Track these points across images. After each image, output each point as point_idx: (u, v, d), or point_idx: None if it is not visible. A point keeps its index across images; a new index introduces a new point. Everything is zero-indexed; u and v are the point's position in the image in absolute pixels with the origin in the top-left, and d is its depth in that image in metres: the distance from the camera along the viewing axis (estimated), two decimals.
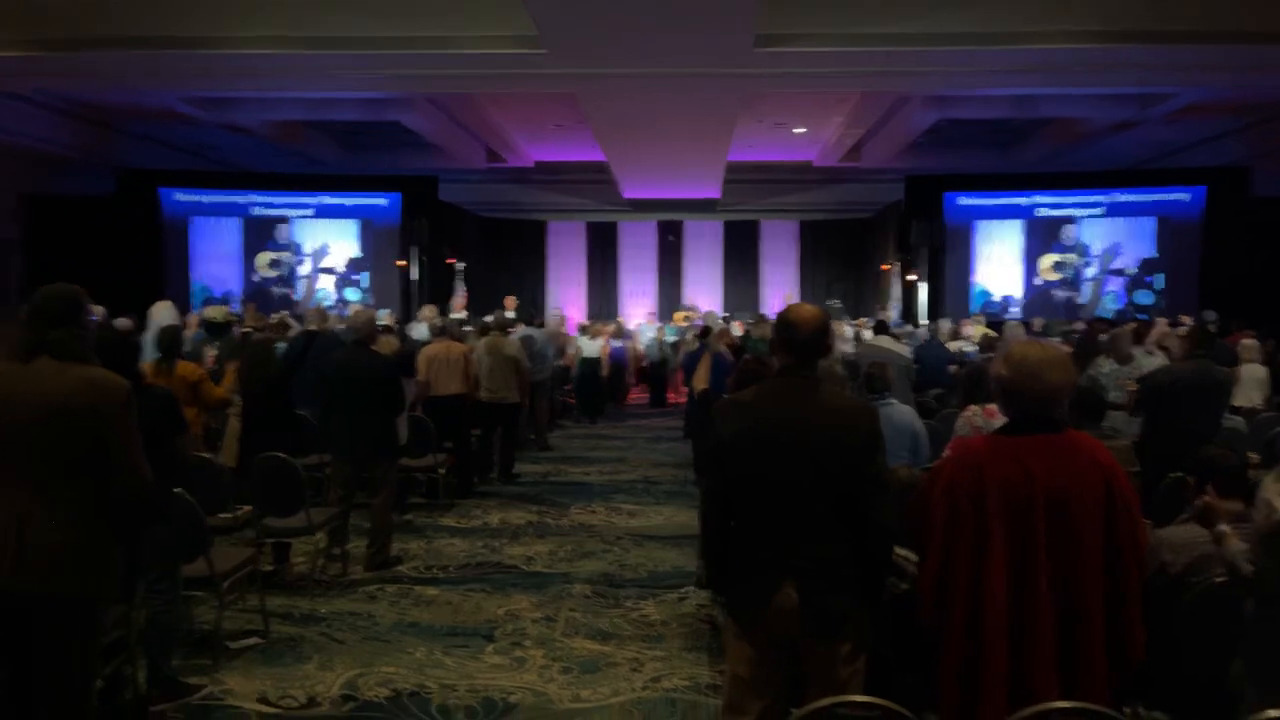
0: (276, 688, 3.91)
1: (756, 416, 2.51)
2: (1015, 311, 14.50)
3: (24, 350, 2.67)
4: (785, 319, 2.57)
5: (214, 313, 7.17)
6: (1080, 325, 10.71)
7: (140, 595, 3.69)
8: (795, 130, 14.71)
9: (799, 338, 2.52)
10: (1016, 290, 15.15)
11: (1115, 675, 2.28)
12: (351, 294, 15.12)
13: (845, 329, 11.61)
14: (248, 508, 5.07)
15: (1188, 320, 10.09)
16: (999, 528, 2.28)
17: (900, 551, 2.79)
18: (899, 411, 4.82)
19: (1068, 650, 2.26)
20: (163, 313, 7.32)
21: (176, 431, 3.80)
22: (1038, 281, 15.07)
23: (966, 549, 2.31)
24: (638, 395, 14.98)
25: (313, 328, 7.05)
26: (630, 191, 17.44)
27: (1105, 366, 6.34)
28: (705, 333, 9.16)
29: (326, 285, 15.36)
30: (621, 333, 14.31)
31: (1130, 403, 5.60)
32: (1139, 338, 7.22)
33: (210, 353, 6.47)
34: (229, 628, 4.47)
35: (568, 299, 18.96)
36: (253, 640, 4.42)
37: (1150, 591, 2.65)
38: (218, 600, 4.18)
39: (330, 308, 12.45)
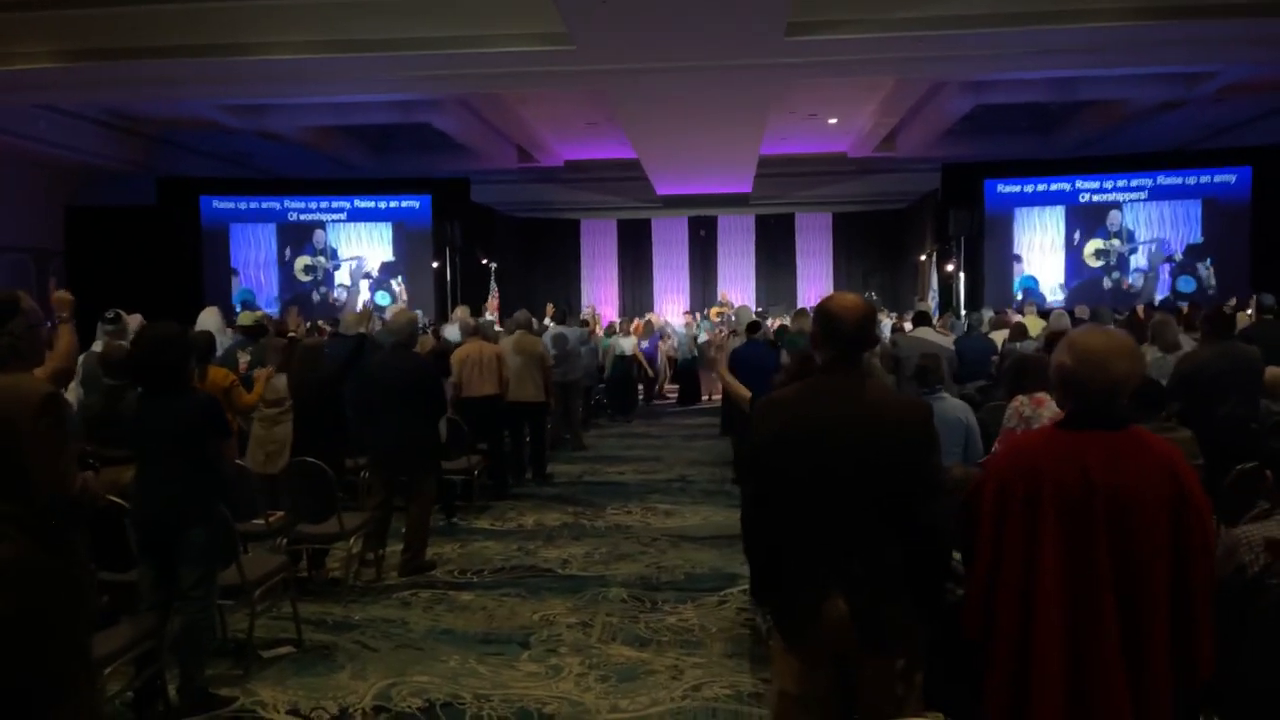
0: (309, 698, 3.85)
1: (799, 416, 2.33)
2: (1058, 300, 14.16)
3: None
4: (827, 310, 2.38)
5: (246, 318, 7.17)
6: (1127, 312, 10.39)
7: (178, 604, 3.66)
8: (828, 121, 14.49)
9: (843, 330, 2.33)
10: (1059, 278, 14.80)
11: (1182, 691, 2.10)
12: (382, 298, 15.18)
13: (884, 321, 11.42)
14: (280, 514, 5.03)
15: (1236, 303, 9.73)
16: (1053, 531, 2.10)
17: (954, 555, 2.63)
18: (952, 405, 4.63)
19: (1132, 664, 2.07)
20: (208, 319, 7.33)
21: (219, 437, 3.77)
22: (1081, 270, 14.70)
23: (1017, 554, 2.14)
24: (670, 392, 14.87)
25: (362, 330, 7.04)
26: (663, 188, 17.32)
27: (1149, 356, 6.08)
28: (755, 326, 8.93)
29: (363, 288, 15.45)
30: (652, 331, 14.20)
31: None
32: (1190, 324, 6.93)
33: (244, 358, 6.45)
34: (263, 636, 4.43)
35: (601, 297, 18.90)
36: (286, 649, 4.37)
37: (1228, 595, 2.47)
38: (250, 609, 4.13)
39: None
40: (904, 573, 2.27)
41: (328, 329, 8.28)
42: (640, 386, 13.94)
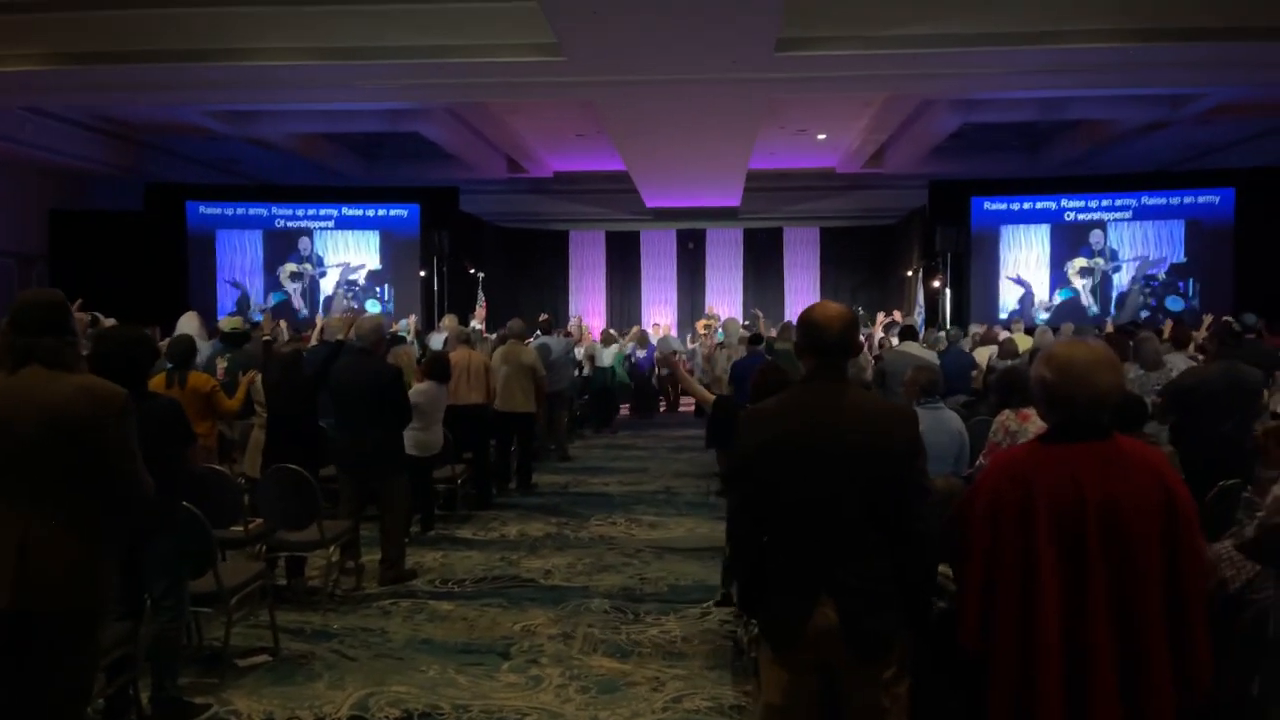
0: (284, 707, 3.79)
1: (784, 427, 2.32)
2: (1044, 317, 14.23)
3: (12, 360, 2.58)
4: (810, 319, 2.38)
5: (231, 323, 7.10)
6: (1107, 330, 10.43)
7: (146, 611, 3.60)
8: (817, 136, 14.55)
9: (827, 339, 2.34)
10: (1043, 296, 14.89)
11: (1182, 702, 2.09)
12: (372, 305, 15.12)
13: (875, 335, 11.43)
14: (260, 521, 4.97)
15: (1229, 321, 9.78)
16: (1048, 545, 2.09)
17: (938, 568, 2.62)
18: (949, 417, 4.64)
19: (1129, 676, 2.06)
20: (188, 324, 7.27)
21: (182, 443, 3.71)
22: (1064, 287, 14.79)
23: (1013, 569, 2.13)
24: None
25: (340, 337, 6.97)
26: (652, 200, 17.35)
27: (1131, 373, 6.10)
28: (756, 338, 8.93)
29: (347, 296, 15.38)
30: (645, 341, 14.20)
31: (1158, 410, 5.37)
32: (1182, 342, 6.94)
33: (221, 364, 6.39)
34: (239, 644, 4.37)
35: (589, 308, 18.88)
36: (262, 658, 4.31)
37: (1212, 610, 2.47)
38: (226, 616, 4.07)
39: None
40: (892, 582, 2.26)
41: (310, 337, 8.21)
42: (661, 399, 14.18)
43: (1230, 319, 9.36)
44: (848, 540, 2.26)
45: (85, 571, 2.59)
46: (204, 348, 6.89)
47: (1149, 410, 4.79)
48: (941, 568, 2.57)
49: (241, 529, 4.87)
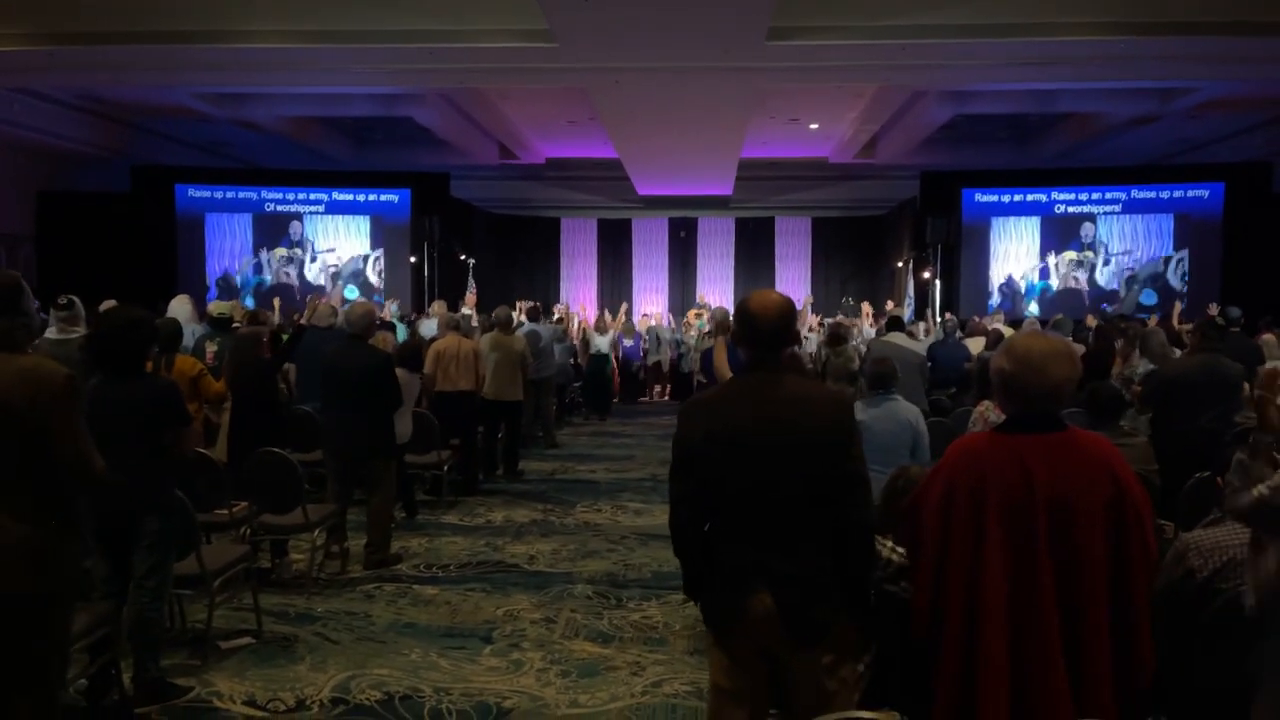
0: (266, 689, 3.81)
1: (722, 417, 2.34)
2: (1033, 309, 14.28)
3: None
4: (746, 310, 2.40)
5: (218, 308, 7.08)
6: (1090, 323, 10.47)
7: (130, 593, 3.62)
8: (810, 126, 14.54)
9: (762, 329, 2.36)
10: (1034, 288, 14.95)
11: (1124, 693, 2.13)
12: (350, 292, 15.02)
13: (864, 327, 11.48)
14: (244, 504, 4.98)
15: (1215, 312, 9.83)
16: (998, 533, 2.12)
17: (899, 551, 2.66)
18: (903, 408, 4.66)
19: (1073, 666, 2.09)
20: (179, 308, 7.25)
21: (178, 423, 3.72)
22: (1055, 279, 14.85)
23: (963, 558, 2.16)
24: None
25: (301, 321, 6.96)
26: (644, 188, 17.33)
27: (1141, 367, 6.11)
28: (724, 328, 8.96)
29: (339, 281, 15.32)
30: (632, 331, 14.22)
31: (1135, 400, 5.41)
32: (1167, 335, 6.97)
33: (210, 348, 6.38)
34: (223, 627, 4.39)
35: (580, 296, 18.88)
36: (245, 640, 4.33)
37: (1177, 599, 2.51)
38: (209, 599, 4.09)
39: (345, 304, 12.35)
40: (831, 568, 2.30)
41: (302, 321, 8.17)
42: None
43: (1213, 312, 9.43)
44: (786, 528, 2.29)
45: (38, 554, 2.56)
46: (193, 331, 6.88)
47: (1125, 402, 4.82)
48: (901, 551, 2.61)
49: (226, 512, 4.88)
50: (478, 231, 16.85)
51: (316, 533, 5.19)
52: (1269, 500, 2.07)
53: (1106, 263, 14.71)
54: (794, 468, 2.28)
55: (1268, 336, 8.13)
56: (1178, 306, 11.67)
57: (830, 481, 2.28)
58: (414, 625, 4.62)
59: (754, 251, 19.25)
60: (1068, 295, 14.63)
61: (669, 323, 16.12)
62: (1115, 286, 14.65)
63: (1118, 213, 14.70)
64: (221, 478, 4.85)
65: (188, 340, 6.41)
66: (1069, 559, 2.10)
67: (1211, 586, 2.64)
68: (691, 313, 15.84)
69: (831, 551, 2.31)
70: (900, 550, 2.67)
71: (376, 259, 15.39)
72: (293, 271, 15.38)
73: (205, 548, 4.27)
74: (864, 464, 2.34)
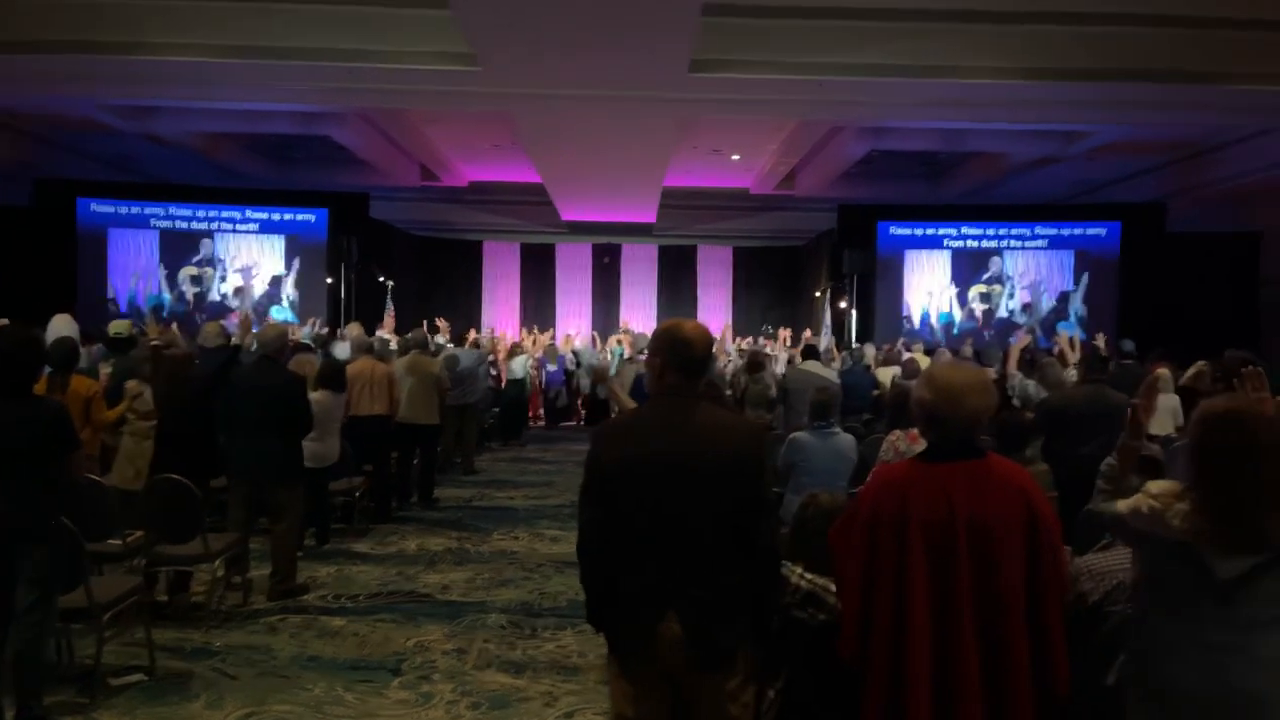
0: None
1: (637, 441, 2.36)
2: (941, 339, 14.73)
3: None
4: (679, 336, 2.42)
5: (119, 327, 6.78)
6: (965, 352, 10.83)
7: (12, 628, 3.41)
8: (731, 157, 14.80)
9: (694, 355, 2.40)
10: (941, 317, 15.44)
11: (1042, 705, 2.20)
12: (277, 312, 14.65)
13: (780, 354, 11.66)
14: (139, 534, 4.76)
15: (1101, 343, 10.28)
16: (921, 558, 2.20)
17: (819, 580, 2.69)
18: (844, 441, 4.73)
19: (993, 684, 2.17)
20: (60, 325, 6.93)
21: (68, 448, 3.55)
22: (964, 311, 15.36)
23: (889, 581, 2.23)
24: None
25: (236, 342, 6.72)
26: (567, 214, 17.35)
27: (1035, 393, 6.35)
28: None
29: (250, 300, 14.88)
30: (557, 353, 14.17)
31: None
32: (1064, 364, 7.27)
33: (105, 370, 6.10)
34: (113, 663, 4.17)
35: (503, 320, 18.73)
36: (136, 677, 4.11)
37: (1072, 622, 2.59)
38: (98, 633, 3.88)
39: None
40: (739, 594, 2.32)
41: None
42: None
43: (1113, 347, 9.86)
44: (694, 553, 2.30)
45: None
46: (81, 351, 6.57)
47: (1032, 430, 4.99)
48: (820, 580, 2.65)
49: (119, 542, 4.65)
50: (398, 253, 16.59)
51: (217, 563, 4.98)
52: (1126, 521, 2.19)
53: (1011, 295, 15.30)
54: (704, 494, 2.29)
55: (1160, 370, 8.52)
56: (1076, 337, 12.18)
57: (739, 508, 2.30)
58: (318, 658, 4.46)
59: (677, 279, 19.42)
60: (971, 327, 15.16)
61: (594, 345, 16.10)
62: (1022, 319, 15.23)
63: (1022, 249, 15.33)
64: (112, 505, 4.63)
65: (84, 361, 6.13)
66: (988, 582, 2.19)
67: (1101, 610, 2.74)
68: (613, 338, 15.90)
69: (739, 577, 2.32)
70: (809, 576, 2.71)
71: (291, 279, 15.02)
72: (201, 290, 14.88)
73: (95, 579, 4.06)
74: (772, 492, 2.38)
